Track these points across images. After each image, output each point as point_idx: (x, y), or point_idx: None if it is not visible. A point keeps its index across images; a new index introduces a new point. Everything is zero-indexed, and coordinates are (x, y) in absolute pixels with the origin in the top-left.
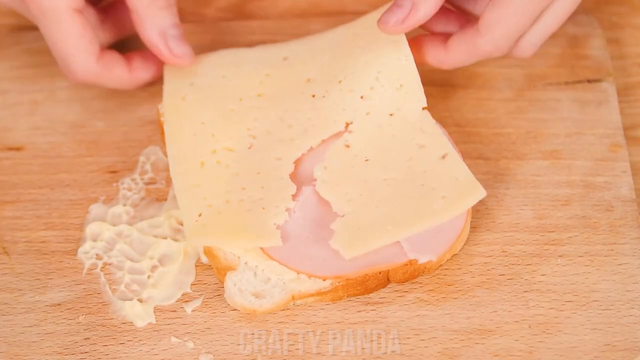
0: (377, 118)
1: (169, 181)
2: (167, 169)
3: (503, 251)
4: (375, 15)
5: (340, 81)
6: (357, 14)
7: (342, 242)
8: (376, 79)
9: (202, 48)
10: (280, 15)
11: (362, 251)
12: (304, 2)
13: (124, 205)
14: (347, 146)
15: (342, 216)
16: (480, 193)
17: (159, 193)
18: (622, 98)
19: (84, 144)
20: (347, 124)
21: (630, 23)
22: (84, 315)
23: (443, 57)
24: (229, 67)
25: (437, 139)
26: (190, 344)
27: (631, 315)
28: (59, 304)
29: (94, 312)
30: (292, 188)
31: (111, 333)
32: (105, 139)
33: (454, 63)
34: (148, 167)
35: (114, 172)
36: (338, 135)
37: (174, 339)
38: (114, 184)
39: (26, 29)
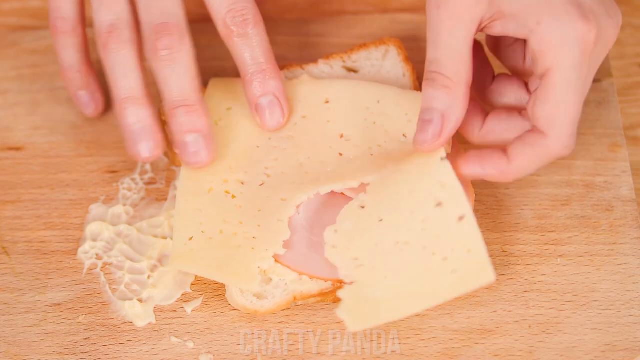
0: (394, 173)
1: (169, 181)
2: (167, 169)
3: (503, 251)
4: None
5: (372, 155)
6: (357, 14)
7: (349, 313)
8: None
9: (201, 48)
10: (280, 15)
11: (368, 327)
12: (303, 2)
13: (124, 205)
14: (362, 207)
15: (350, 284)
16: (490, 277)
17: (159, 193)
18: (622, 98)
19: (84, 144)
20: (364, 185)
21: (630, 23)
22: (84, 315)
23: (505, 167)
24: None
25: (455, 195)
26: (190, 344)
27: (631, 315)
28: (59, 304)
29: (94, 312)
30: (287, 234)
31: (111, 333)
32: (105, 139)
33: (519, 172)
34: (148, 167)
35: (114, 172)
36: (353, 191)
37: (174, 339)
38: (114, 184)
39: (26, 29)
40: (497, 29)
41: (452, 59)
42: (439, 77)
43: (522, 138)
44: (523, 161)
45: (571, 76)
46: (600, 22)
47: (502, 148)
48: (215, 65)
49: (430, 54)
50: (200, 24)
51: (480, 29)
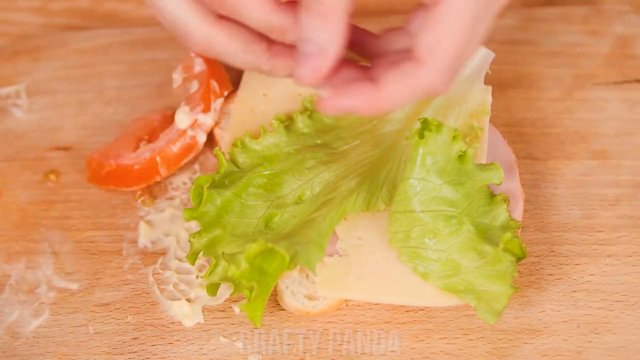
0: None
1: None
2: (214, 170)
3: (551, 251)
4: None
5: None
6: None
7: (324, 277)
8: None
9: None
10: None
11: (335, 295)
12: None
13: (172, 206)
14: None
15: (340, 255)
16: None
17: None
18: None
19: None
20: None
21: None
22: (132, 315)
23: (374, 96)
24: None
25: None
26: (239, 344)
27: None
28: (107, 304)
29: (143, 311)
30: None
31: (160, 333)
32: None
33: (389, 101)
34: (197, 167)
35: None
36: None
37: (222, 339)
38: (163, 184)
39: (76, 29)
40: None
41: None
42: (316, 5)
43: (396, 66)
44: (393, 90)
45: (462, 6)
46: None
47: (371, 77)
48: None
49: None
50: None
51: None
